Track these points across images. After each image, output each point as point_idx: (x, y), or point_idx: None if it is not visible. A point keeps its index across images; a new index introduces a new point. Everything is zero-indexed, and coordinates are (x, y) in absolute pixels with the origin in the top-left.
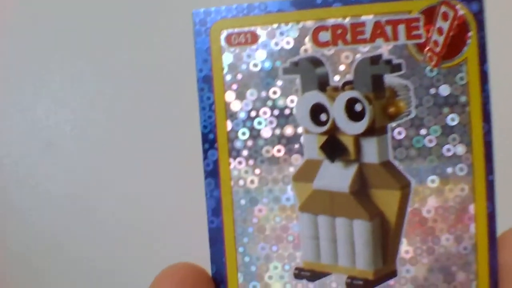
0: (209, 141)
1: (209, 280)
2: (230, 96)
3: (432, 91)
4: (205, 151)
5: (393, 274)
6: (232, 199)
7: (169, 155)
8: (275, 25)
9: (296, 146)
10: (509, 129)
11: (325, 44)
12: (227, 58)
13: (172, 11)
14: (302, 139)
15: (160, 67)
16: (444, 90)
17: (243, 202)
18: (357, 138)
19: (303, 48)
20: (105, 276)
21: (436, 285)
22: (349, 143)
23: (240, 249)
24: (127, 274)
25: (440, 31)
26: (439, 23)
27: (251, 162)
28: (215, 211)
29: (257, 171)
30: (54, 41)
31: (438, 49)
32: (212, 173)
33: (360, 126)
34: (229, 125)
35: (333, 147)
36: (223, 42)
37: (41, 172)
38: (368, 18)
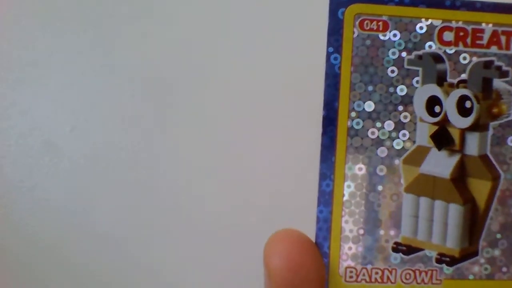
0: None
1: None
2: (355, 78)
3: None
4: (324, 126)
5: (475, 254)
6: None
7: (169, 155)
8: (406, 18)
9: (409, 132)
10: None
11: (448, 43)
12: (357, 41)
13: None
14: (416, 126)
15: (160, 67)
16: None
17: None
18: (463, 132)
19: (428, 43)
20: (105, 276)
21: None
22: (456, 135)
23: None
24: (127, 275)
25: None
26: None
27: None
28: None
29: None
30: (54, 41)
31: None
32: (330, 148)
33: (468, 121)
34: (351, 105)
35: (442, 137)
36: (356, 26)
37: (41, 172)
38: (488, 26)
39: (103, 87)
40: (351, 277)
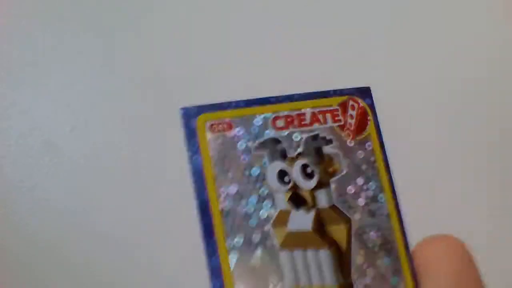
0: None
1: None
2: (217, 170)
3: (352, 155)
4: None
5: (351, 285)
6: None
7: (169, 155)
8: (245, 116)
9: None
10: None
11: (281, 128)
12: (211, 142)
13: None
14: (274, 195)
15: (160, 67)
16: (360, 154)
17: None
18: (312, 191)
19: (266, 131)
20: (105, 276)
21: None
22: (307, 195)
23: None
24: (127, 275)
25: (351, 116)
26: (350, 111)
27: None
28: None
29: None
30: (54, 41)
31: (352, 128)
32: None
33: (312, 183)
34: (218, 192)
35: (296, 200)
36: (207, 130)
37: (41, 172)
38: (307, 110)
39: (103, 87)
40: None
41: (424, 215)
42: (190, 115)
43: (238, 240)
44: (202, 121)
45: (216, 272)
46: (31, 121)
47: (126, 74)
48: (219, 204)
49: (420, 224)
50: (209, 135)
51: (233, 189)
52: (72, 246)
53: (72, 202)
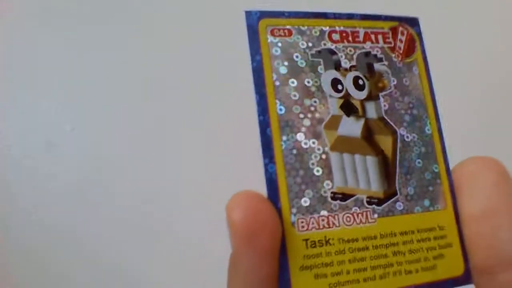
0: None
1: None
2: (275, 70)
3: (401, 75)
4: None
5: (395, 194)
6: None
7: (169, 154)
8: (303, 27)
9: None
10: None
11: (336, 41)
12: (271, 45)
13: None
14: (328, 100)
15: (160, 67)
16: (408, 75)
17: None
18: (362, 102)
19: (322, 42)
20: (105, 274)
21: (417, 200)
22: (357, 104)
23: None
24: (126, 274)
25: (400, 41)
26: (399, 36)
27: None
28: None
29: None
30: (54, 40)
31: (401, 51)
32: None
33: (363, 94)
34: (276, 92)
35: (348, 107)
36: (268, 34)
37: (41, 172)
38: (361, 29)
39: (103, 87)
40: (302, 226)
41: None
42: (253, 18)
43: (290, 137)
44: (263, 25)
45: (270, 158)
46: (31, 121)
47: (126, 74)
48: (276, 103)
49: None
50: (270, 38)
51: (290, 89)
52: (72, 246)
53: (72, 202)
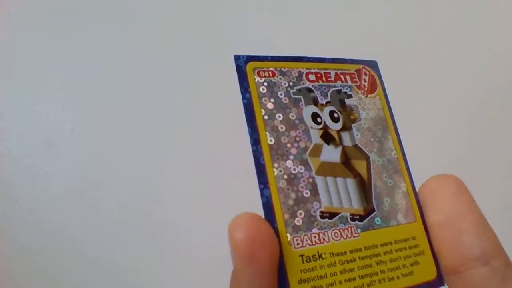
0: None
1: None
2: (263, 106)
3: (368, 109)
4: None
5: (373, 210)
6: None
7: (169, 154)
8: (284, 69)
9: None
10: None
11: (312, 81)
12: (258, 84)
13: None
14: (310, 132)
15: (161, 67)
16: (373, 109)
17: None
18: (339, 132)
19: (301, 82)
20: (104, 274)
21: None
22: (335, 134)
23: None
24: (126, 274)
25: (365, 80)
26: (363, 76)
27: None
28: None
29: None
30: (54, 40)
31: (366, 89)
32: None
33: (339, 125)
34: (265, 124)
35: (327, 136)
36: (255, 74)
37: (41, 172)
38: (332, 71)
39: (103, 87)
40: (298, 244)
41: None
42: (241, 61)
43: (281, 164)
44: (250, 67)
45: (265, 188)
46: (31, 121)
47: (127, 74)
48: (266, 137)
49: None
50: (256, 78)
51: (277, 121)
52: (71, 246)
53: (71, 202)
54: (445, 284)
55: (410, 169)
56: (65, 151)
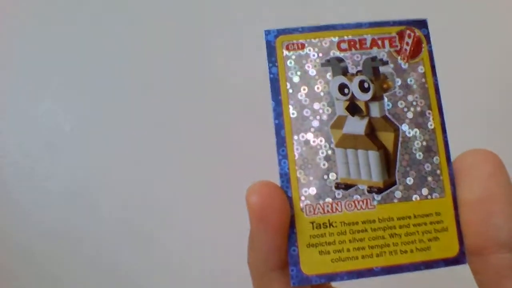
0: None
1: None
2: (289, 80)
3: (405, 76)
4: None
5: (394, 183)
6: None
7: (169, 154)
8: (314, 39)
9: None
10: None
11: (344, 50)
12: (286, 58)
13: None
14: (334, 103)
15: (161, 67)
16: (412, 75)
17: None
18: (367, 103)
19: (331, 51)
20: (104, 274)
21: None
22: (362, 105)
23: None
24: (125, 274)
25: (407, 43)
26: (406, 39)
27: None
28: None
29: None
30: (54, 40)
31: (407, 53)
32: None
33: (368, 96)
34: (289, 98)
35: (353, 108)
36: (284, 49)
37: (41, 172)
38: (368, 36)
39: (103, 87)
40: (310, 211)
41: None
42: (271, 36)
43: (302, 136)
44: (280, 42)
45: (283, 160)
46: (31, 122)
47: (126, 74)
48: (289, 108)
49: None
50: (285, 52)
51: (301, 95)
52: (71, 245)
53: (72, 202)
54: (467, 263)
55: (449, 142)
56: (65, 151)
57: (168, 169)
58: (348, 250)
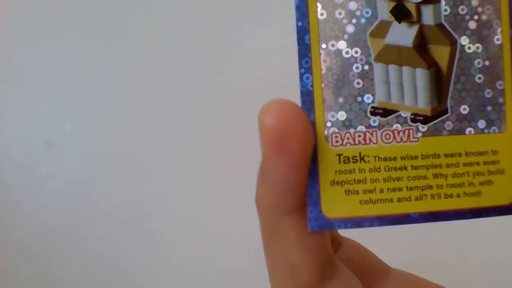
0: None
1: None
2: None
3: None
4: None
5: (445, 111)
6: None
7: (169, 154)
8: None
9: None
10: None
11: None
12: None
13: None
14: (376, 3)
15: (161, 67)
16: None
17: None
18: (418, 5)
19: None
20: (104, 274)
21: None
22: (412, 8)
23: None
24: (125, 274)
25: None
26: None
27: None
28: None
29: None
30: (54, 41)
31: None
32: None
33: None
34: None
35: (400, 11)
36: None
37: (41, 172)
38: None
39: (103, 87)
40: (337, 141)
41: None
42: None
43: (332, 44)
44: None
45: (306, 73)
46: (31, 121)
47: (126, 74)
48: (317, 4)
49: None
50: None
51: None
52: (71, 245)
53: (71, 202)
54: None
55: None
56: (65, 151)
57: (169, 169)
58: (382, 190)
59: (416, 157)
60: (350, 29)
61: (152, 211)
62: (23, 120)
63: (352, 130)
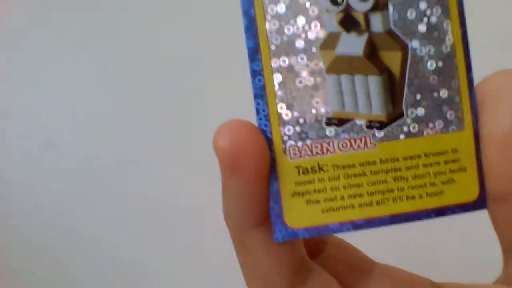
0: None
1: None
2: None
3: None
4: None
5: (401, 115)
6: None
7: (169, 154)
8: None
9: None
10: None
11: None
12: None
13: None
14: (324, 17)
15: (160, 67)
16: None
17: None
18: (366, 14)
19: None
20: (104, 273)
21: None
22: (360, 17)
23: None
24: (126, 273)
25: None
26: None
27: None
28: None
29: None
30: (54, 40)
31: None
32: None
33: (368, 5)
34: (265, 10)
35: (348, 21)
36: None
37: (41, 172)
38: None
39: (103, 87)
40: (294, 154)
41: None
42: None
43: (284, 60)
44: None
45: (259, 93)
46: (31, 121)
47: (126, 74)
48: (266, 23)
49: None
50: None
51: (280, 8)
52: (71, 245)
53: (71, 202)
54: (486, 209)
55: (472, 61)
56: (65, 151)
57: (169, 169)
58: (342, 198)
59: (374, 163)
60: (299, 44)
61: (152, 210)
62: (23, 120)
63: (309, 142)
